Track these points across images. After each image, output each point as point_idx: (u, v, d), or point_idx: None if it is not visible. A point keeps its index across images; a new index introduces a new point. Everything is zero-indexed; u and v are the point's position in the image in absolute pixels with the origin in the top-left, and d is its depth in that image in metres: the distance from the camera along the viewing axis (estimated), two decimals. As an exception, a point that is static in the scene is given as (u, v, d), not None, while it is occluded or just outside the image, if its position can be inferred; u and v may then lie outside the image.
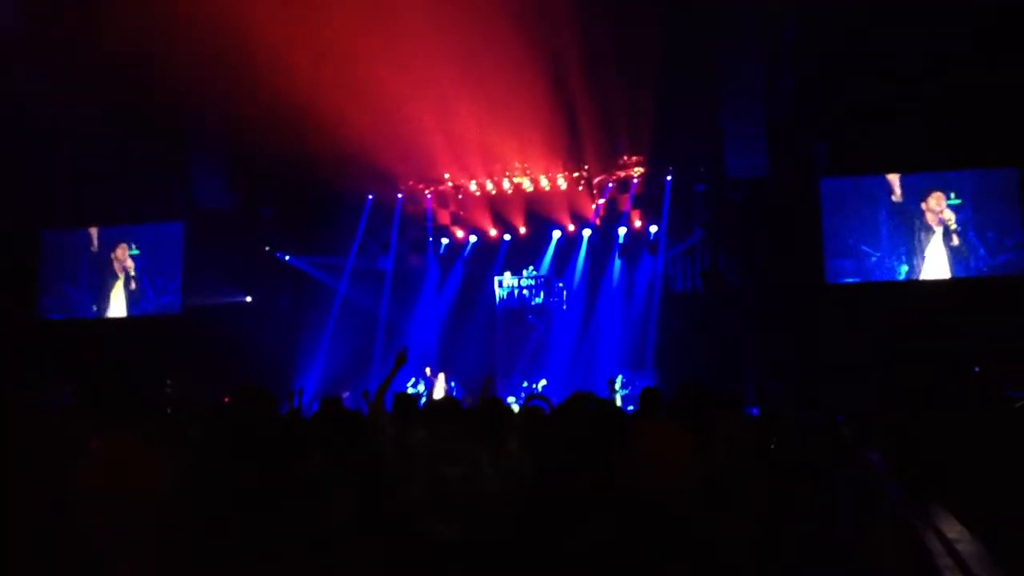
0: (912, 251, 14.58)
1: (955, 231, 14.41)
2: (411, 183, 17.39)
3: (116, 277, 17.77)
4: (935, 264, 14.47)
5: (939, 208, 14.50)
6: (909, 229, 14.62)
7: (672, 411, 5.42)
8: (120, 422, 4.03)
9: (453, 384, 15.02)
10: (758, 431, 5.88)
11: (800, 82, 14.59)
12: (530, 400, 5.98)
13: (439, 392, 14.60)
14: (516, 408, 8.03)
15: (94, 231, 17.97)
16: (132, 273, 17.71)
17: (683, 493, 4.63)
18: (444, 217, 17.64)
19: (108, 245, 17.86)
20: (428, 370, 15.15)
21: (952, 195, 14.50)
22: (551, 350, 16.53)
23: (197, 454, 3.82)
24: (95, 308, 17.77)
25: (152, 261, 17.66)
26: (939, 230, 14.49)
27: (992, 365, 11.71)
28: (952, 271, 14.39)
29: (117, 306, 17.75)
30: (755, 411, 10.95)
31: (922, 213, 14.59)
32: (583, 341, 16.40)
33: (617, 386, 14.22)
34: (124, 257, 17.76)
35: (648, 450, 4.69)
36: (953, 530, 3.68)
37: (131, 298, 17.65)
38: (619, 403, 13.81)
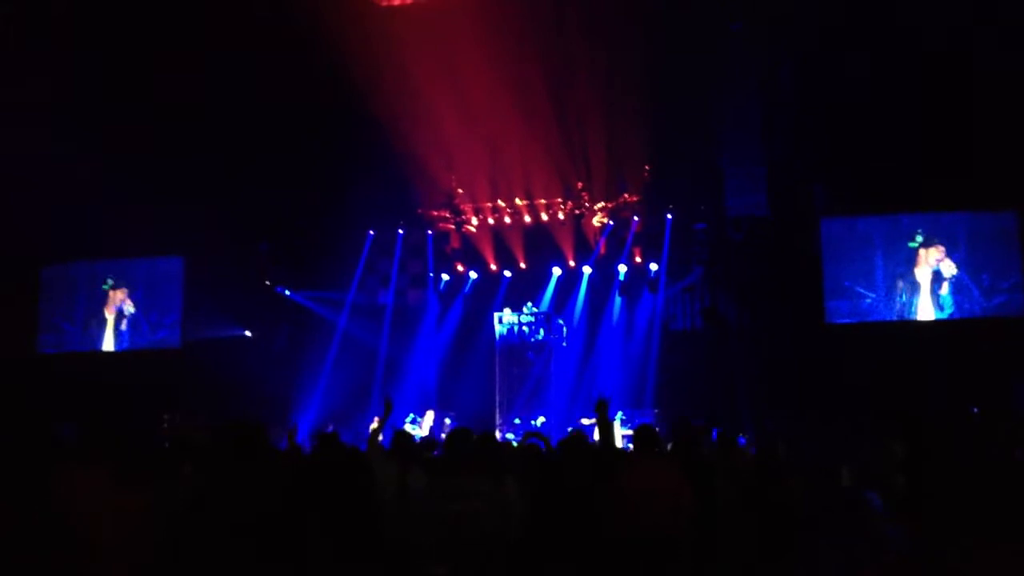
0: (905, 292, 14.62)
1: (949, 277, 14.47)
2: (419, 211, 17.46)
3: (110, 312, 17.68)
4: (929, 306, 14.51)
5: (939, 257, 14.56)
6: (904, 271, 14.68)
7: (667, 447, 5.43)
8: (115, 460, 4.04)
9: (449, 421, 14.96)
10: (755, 470, 5.87)
11: (800, 122, 14.73)
12: (528, 438, 5.97)
13: (427, 429, 14.55)
14: (515, 445, 8.01)
15: (90, 266, 17.91)
16: (126, 308, 17.64)
17: (676, 529, 4.63)
18: (445, 252, 17.69)
19: (104, 280, 17.82)
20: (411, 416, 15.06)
21: (948, 239, 14.58)
22: (551, 387, 16.48)
23: (191, 493, 3.82)
24: (89, 343, 17.64)
25: (148, 296, 17.59)
26: (931, 274, 14.55)
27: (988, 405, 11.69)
28: (946, 313, 14.43)
29: (110, 341, 17.65)
30: (753, 450, 10.91)
31: (915, 255, 14.65)
32: (583, 378, 16.36)
33: (617, 421, 14.16)
34: (120, 295, 17.69)
35: (639, 487, 4.70)
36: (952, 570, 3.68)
37: (125, 333, 17.58)
38: (618, 436, 13.75)
